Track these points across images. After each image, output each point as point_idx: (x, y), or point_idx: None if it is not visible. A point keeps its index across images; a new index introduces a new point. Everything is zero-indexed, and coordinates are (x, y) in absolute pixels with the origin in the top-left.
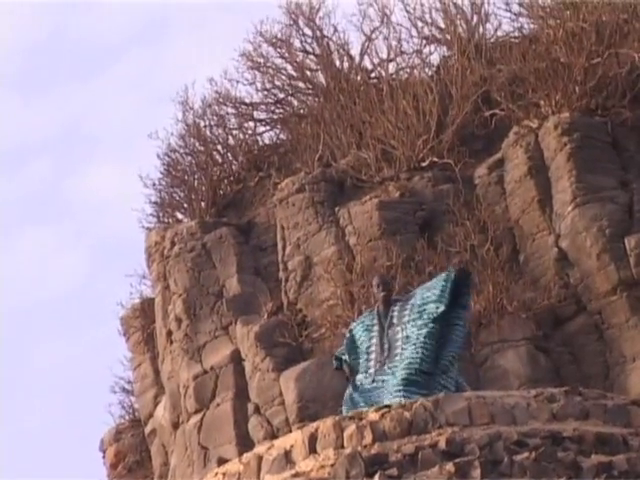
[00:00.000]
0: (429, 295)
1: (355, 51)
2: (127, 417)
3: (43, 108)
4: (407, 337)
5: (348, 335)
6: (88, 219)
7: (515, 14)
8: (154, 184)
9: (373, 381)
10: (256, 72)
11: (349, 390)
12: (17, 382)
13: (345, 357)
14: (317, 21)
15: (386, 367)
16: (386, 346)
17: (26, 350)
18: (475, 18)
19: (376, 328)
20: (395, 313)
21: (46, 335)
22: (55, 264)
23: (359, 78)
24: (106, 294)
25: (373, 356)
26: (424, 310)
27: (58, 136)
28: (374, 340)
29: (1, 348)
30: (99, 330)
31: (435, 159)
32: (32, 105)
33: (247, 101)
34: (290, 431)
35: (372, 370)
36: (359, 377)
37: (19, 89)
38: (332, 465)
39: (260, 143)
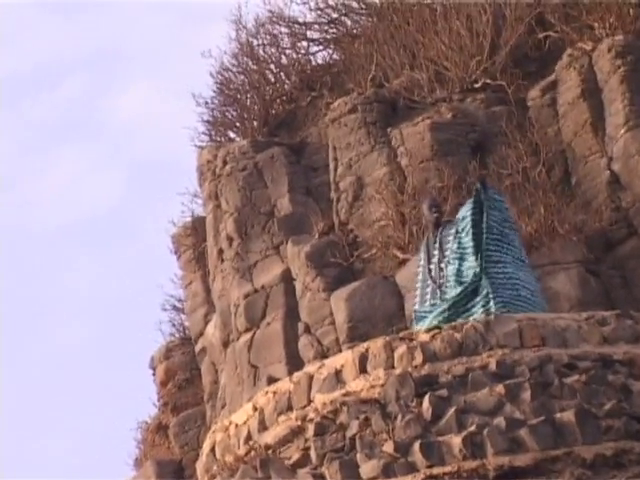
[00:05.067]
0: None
1: None
2: (177, 335)
3: (84, 25)
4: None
5: None
6: (128, 137)
7: None
8: (206, 102)
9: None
10: None
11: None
12: (61, 302)
13: None
14: None
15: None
16: (434, 274)
17: (66, 270)
18: None
19: (423, 256)
20: (441, 240)
21: (87, 254)
22: (94, 183)
23: None
24: (148, 212)
25: (425, 285)
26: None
27: (96, 54)
28: (421, 269)
29: (44, 268)
30: (146, 248)
31: (488, 81)
32: (72, 22)
33: (300, 20)
34: (340, 351)
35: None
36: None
37: (56, 6)
38: (382, 385)
39: (313, 63)
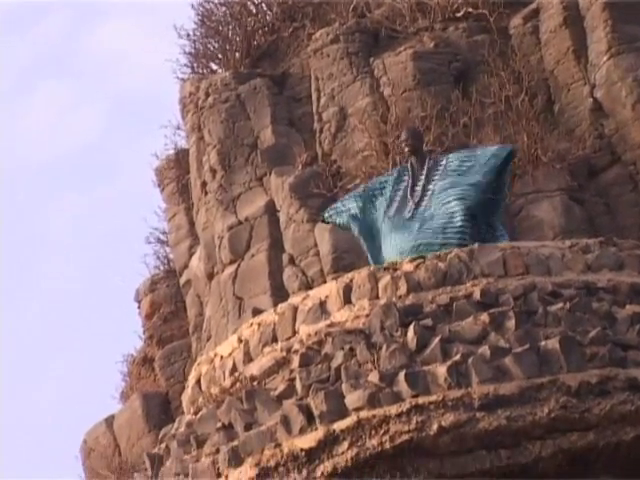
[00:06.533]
0: (471, 163)
1: None
2: (162, 268)
3: None
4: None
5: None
6: (109, 71)
7: None
8: (188, 35)
9: (411, 217)
10: None
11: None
12: (45, 238)
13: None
14: None
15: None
16: (416, 194)
17: (50, 205)
18: None
19: (407, 178)
20: (429, 168)
21: (70, 190)
22: (75, 118)
23: None
24: (130, 146)
25: (402, 198)
26: (462, 177)
27: None
28: (403, 185)
29: (26, 205)
30: (129, 182)
31: (470, 9)
32: None
33: None
34: (325, 282)
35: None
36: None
37: None
38: (367, 315)
39: None
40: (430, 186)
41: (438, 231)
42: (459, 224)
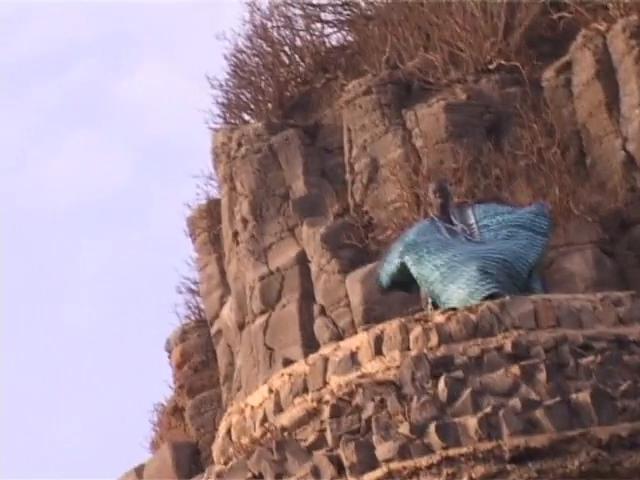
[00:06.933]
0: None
1: None
2: (193, 317)
3: (96, 8)
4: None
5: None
6: (141, 120)
7: None
8: (221, 85)
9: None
10: None
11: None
12: (76, 285)
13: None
14: None
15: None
16: (461, 232)
17: (81, 252)
18: None
19: (440, 225)
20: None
21: (101, 236)
22: (106, 166)
23: None
24: (161, 194)
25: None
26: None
27: (109, 37)
28: (440, 232)
29: (60, 251)
30: (160, 230)
31: (502, 62)
32: (84, 5)
33: (314, 2)
34: (355, 333)
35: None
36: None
37: None
38: (398, 367)
39: (327, 45)
40: (471, 223)
41: (515, 255)
42: (530, 260)
